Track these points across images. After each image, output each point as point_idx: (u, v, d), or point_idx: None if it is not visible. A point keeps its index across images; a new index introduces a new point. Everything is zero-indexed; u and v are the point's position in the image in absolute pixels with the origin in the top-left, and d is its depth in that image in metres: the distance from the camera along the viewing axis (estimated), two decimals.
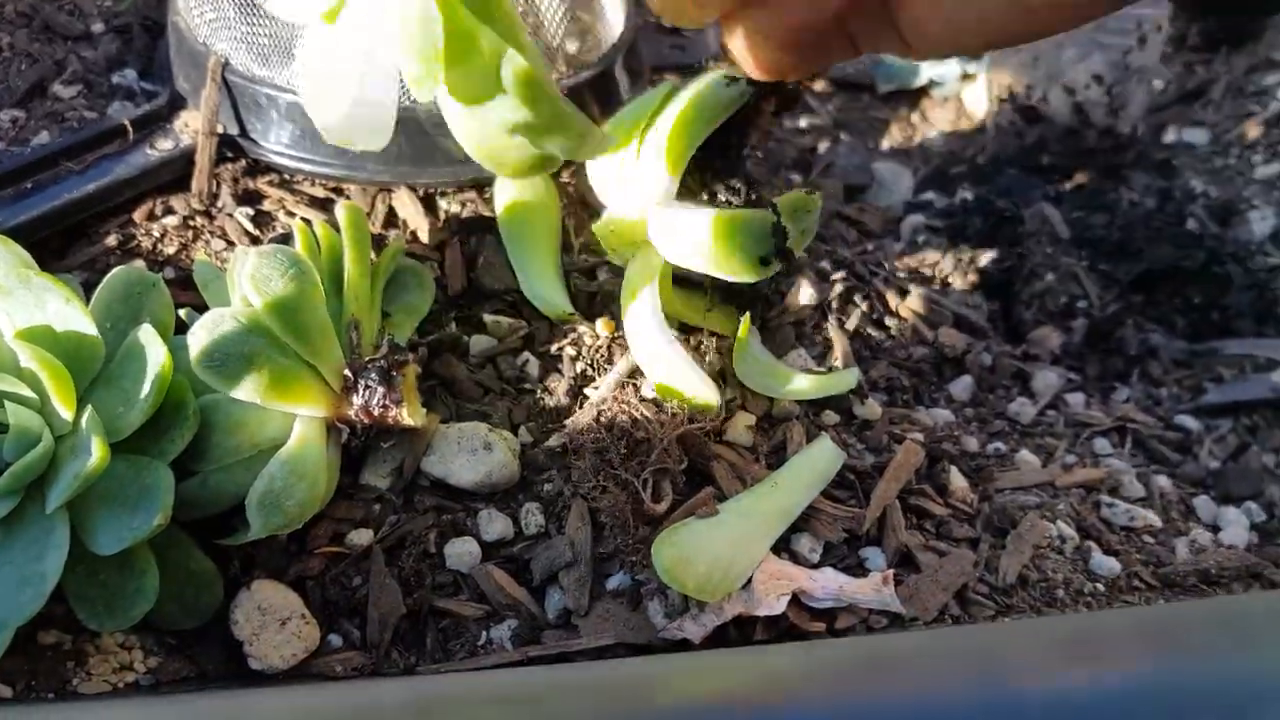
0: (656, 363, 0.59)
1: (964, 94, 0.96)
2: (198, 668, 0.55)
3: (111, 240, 0.65)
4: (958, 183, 0.85)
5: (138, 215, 0.67)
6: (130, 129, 0.69)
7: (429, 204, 0.68)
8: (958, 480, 0.61)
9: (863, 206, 0.79)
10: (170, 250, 0.65)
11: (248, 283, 0.51)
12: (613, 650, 0.52)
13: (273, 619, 0.54)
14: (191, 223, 0.67)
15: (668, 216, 0.56)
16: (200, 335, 0.51)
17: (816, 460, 0.58)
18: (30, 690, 0.52)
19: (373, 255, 0.60)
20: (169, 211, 0.67)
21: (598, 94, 0.72)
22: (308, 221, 0.56)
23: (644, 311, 0.58)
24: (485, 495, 0.58)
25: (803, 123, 0.88)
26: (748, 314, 0.62)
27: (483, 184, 0.67)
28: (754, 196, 0.60)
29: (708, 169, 0.60)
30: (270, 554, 0.55)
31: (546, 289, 0.65)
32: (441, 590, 0.55)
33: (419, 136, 0.67)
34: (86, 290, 0.61)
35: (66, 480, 0.48)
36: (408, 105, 0.61)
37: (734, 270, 0.56)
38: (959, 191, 0.84)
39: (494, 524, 0.57)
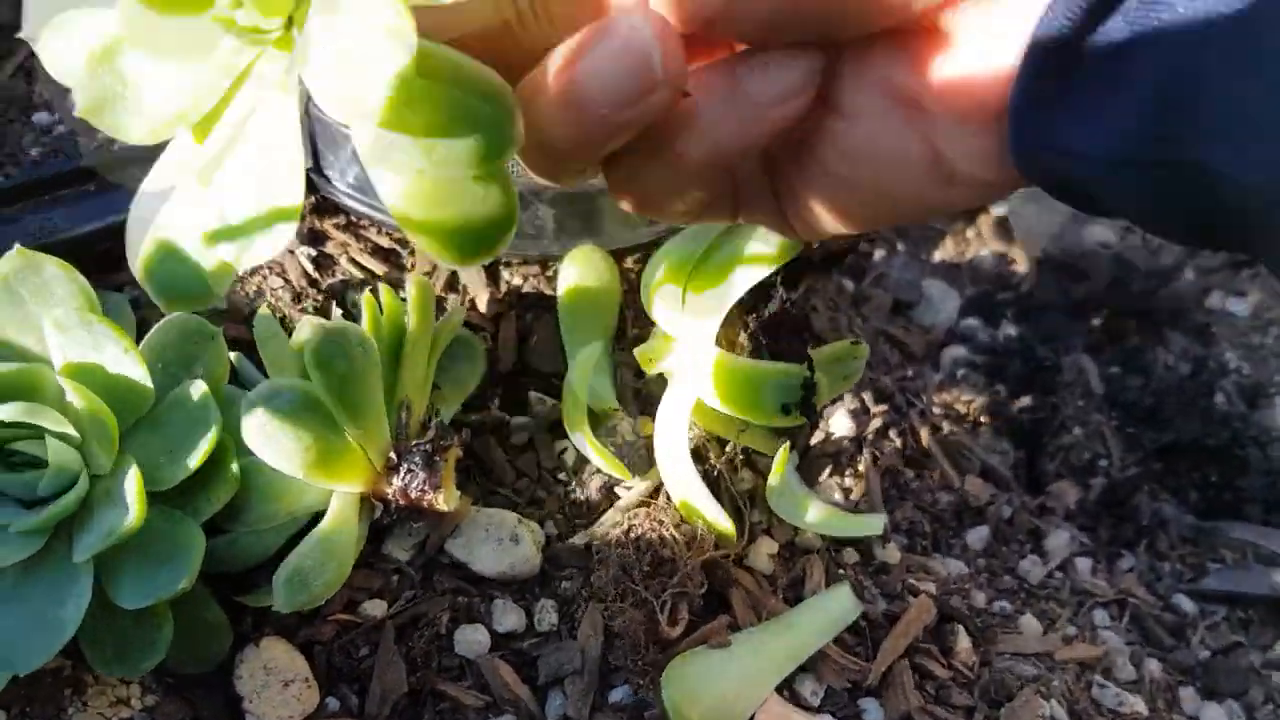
0: (680, 489, 0.59)
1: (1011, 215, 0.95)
2: (194, 712, 0.55)
3: None
4: (1002, 311, 0.86)
5: None
6: None
7: (492, 272, 0.67)
8: (963, 641, 0.61)
9: (908, 326, 0.79)
10: None
11: (310, 357, 0.50)
12: None
13: (276, 680, 0.54)
14: None
15: (704, 359, 0.59)
16: (254, 401, 0.50)
17: (833, 608, 0.59)
18: (24, 717, 0.52)
19: None
20: None
21: None
22: (374, 291, 0.55)
23: (673, 444, 0.60)
24: (503, 584, 0.58)
25: None
26: (787, 444, 0.62)
27: (548, 260, 0.67)
28: (791, 344, 0.61)
29: (754, 312, 0.61)
30: (283, 614, 0.55)
31: (594, 380, 0.65)
32: (446, 674, 0.56)
33: None
34: (135, 307, 0.60)
35: (99, 533, 0.48)
36: None
37: (758, 417, 0.59)
38: (1002, 324, 0.84)
39: (508, 615, 0.57)
